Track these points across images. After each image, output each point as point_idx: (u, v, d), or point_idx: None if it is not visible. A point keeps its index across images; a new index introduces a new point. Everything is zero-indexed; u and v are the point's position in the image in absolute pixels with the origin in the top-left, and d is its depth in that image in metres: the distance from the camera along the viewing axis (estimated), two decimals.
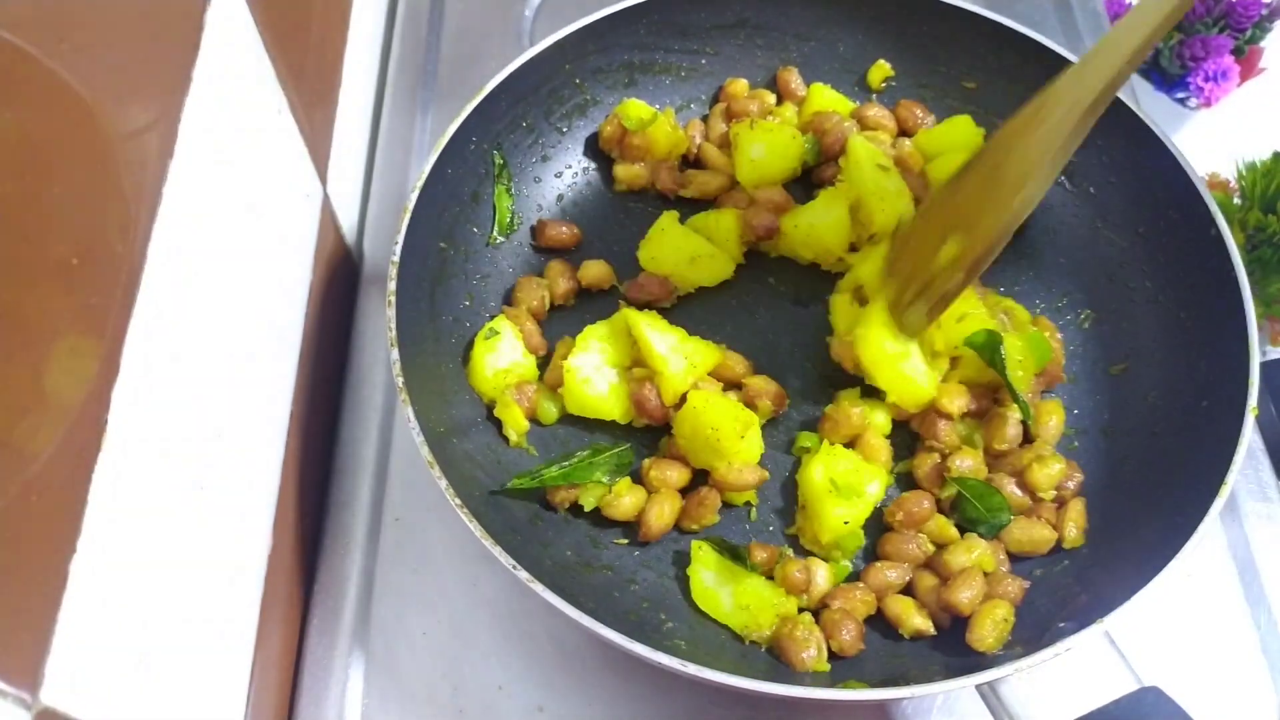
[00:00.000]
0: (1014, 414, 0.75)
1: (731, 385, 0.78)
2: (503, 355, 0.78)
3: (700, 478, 0.75)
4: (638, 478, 0.76)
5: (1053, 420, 0.76)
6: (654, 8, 0.88)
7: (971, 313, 0.76)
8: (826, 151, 0.88)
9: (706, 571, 0.71)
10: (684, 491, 0.75)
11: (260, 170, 0.73)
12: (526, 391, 0.77)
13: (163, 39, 0.59)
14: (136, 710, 0.52)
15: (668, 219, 0.84)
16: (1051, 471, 0.73)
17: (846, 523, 0.72)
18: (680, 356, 0.75)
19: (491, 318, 0.81)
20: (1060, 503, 0.74)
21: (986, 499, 0.73)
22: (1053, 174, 0.67)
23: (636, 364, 0.77)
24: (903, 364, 0.75)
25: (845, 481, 0.73)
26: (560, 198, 0.90)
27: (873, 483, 0.73)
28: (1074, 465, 0.75)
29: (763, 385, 0.78)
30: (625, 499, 0.73)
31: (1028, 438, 0.76)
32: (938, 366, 0.77)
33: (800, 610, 0.71)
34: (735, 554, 0.72)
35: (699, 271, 0.84)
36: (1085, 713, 0.60)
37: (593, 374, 0.77)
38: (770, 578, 0.72)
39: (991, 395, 0.77)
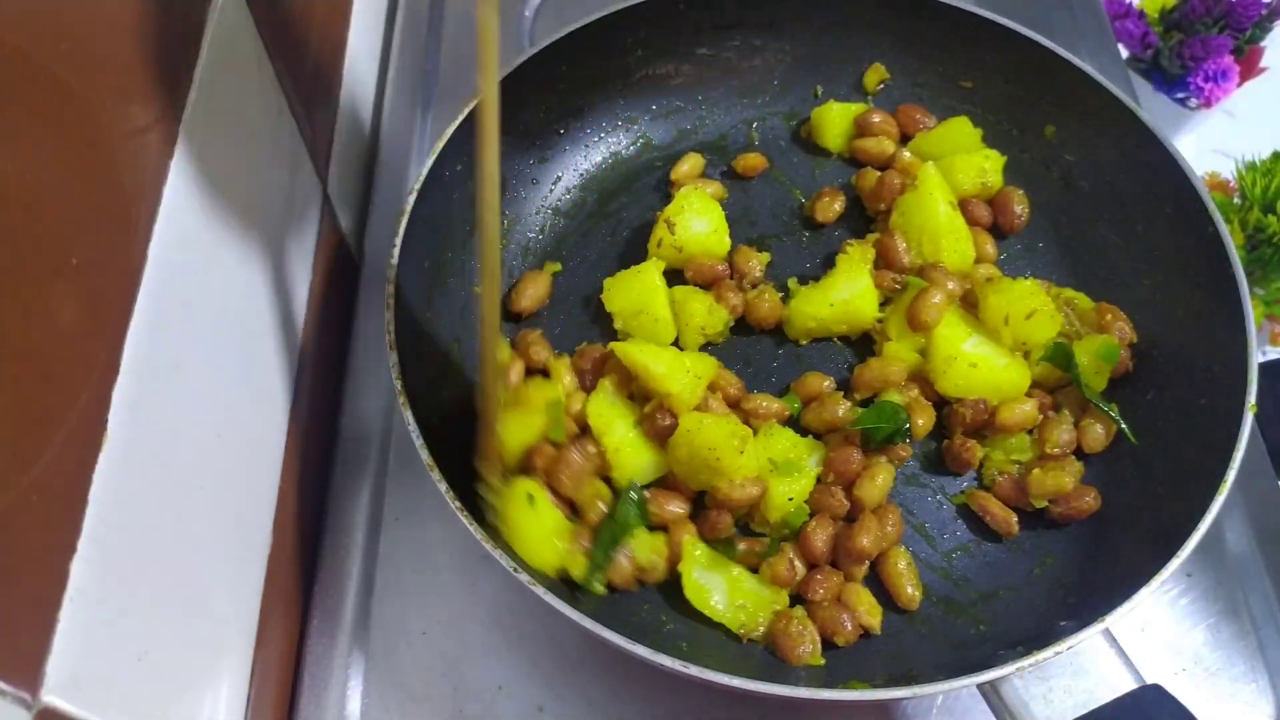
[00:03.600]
0: (1067, 419, 0.76)
1: (732, 403, 0.77)
2: (548, 518, 0.71)
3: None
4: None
5: (1098, 429, 0.76)
6: (651, 10, 0.88)
7: (1039, 309, 0.76)
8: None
9: (698, 569, 0.71)
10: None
11: (260, 170, 0.73)
12: (582, 542, 0.71)
13: (163, 39, 0.59)
14: (136, 710, 0.52)
15: (653, 268, 0.81)
16: (1057, 482, 0.73)
17: (791, 499, 0.72)
18: (682, 370, 0.74)
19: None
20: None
21: (882, 411, 0.74)
22: None
23: (643, 397, 0.76)
24: (998, 362, 0.76)
25: (785, 459, 0.73)
26: (557, 201, 0.90)
27: (811, 456, 0.74)
28: (1085, 489, 0.74)
29: (764, 404, 0.77)
30: (663, 557, 0.71)
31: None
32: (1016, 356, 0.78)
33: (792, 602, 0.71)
34: (727, 542, 0.72)
35: (640, 327, 0.81)
36: (1087, 711, 0.60)
37: (624, 441, 0.74)
38: (754, 570, 0.72)
39: (1052, 394, 0.78)
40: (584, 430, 0.76)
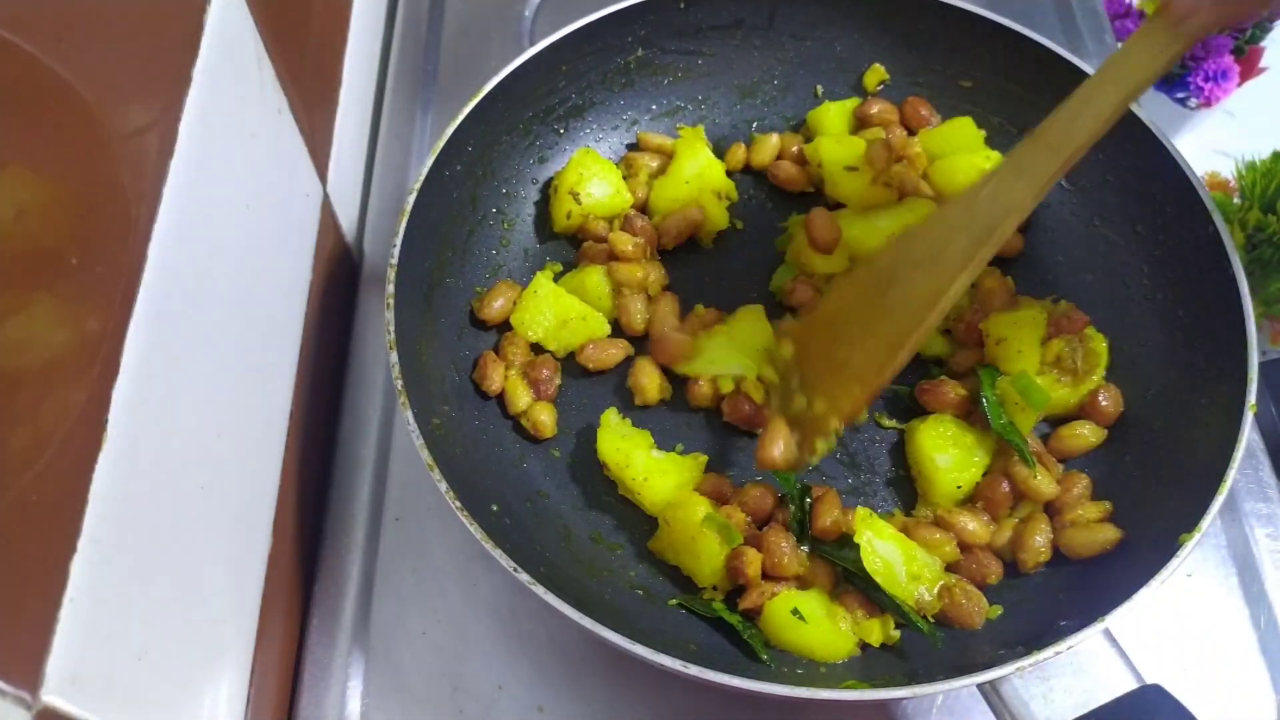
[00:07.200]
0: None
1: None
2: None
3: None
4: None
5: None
6: (651, 9, 0.88)
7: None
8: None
9: (881, 541, 0.70)
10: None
11: (260, 170, 0.73)
12: None
13: (163, 39, 0.59)
14: (136, 710, 0.52)
15: (544, 279, 0.82)
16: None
17: (959, 487, 0.74)
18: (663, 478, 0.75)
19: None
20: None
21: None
22: (933, 324, 0.64)
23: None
24: None
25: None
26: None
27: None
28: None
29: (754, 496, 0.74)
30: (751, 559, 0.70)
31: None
32: None
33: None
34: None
35: (574, 333, 0.81)
36: (1087, 711, 0.60)
37: (648, 470, 0.75)
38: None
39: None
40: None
